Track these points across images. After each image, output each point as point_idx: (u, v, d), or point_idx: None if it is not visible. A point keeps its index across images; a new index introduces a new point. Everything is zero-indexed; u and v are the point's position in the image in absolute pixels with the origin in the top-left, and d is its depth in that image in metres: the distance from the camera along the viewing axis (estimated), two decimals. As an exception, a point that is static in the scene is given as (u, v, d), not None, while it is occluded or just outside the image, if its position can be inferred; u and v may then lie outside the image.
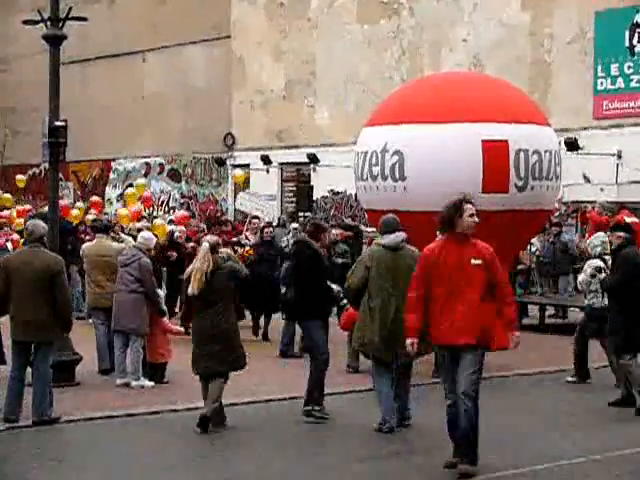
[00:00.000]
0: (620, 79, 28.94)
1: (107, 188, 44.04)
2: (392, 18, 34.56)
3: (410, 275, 10.06)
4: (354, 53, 35.18)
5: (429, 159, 15.42)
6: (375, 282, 10.69)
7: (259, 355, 14.25)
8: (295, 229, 23.00)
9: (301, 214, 33.52)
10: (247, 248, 17.92)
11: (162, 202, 41.07)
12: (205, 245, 10.88)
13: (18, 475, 9.09)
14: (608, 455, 9.72)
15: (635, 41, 28.61)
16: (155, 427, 10.93)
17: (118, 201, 42.56)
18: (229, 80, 39.34)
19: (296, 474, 9.20)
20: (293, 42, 37.39)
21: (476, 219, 9.02)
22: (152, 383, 13.24)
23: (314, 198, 34.35)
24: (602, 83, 29.35)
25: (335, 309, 13.47)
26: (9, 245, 20.65)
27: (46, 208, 15.01)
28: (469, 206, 9.05)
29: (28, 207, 25.79)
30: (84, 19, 15.06)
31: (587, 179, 28.14)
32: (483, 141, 15.47)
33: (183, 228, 19.48)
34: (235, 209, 37.89)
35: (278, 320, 15.96)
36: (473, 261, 8.88)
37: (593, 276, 12.99)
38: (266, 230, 18.36)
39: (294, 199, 35.99)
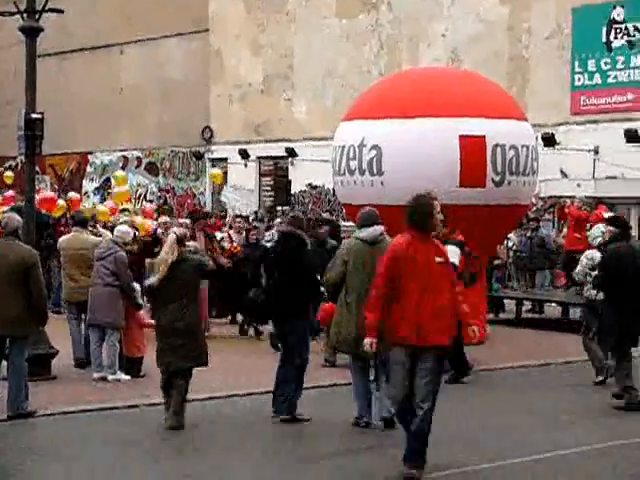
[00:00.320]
0: (597, 75, 29.04)
1: (84, 181, 43.87)
2: (371, 12, 34.55)
3: None
4: (332, 47, 35.15)
5: (407, 154, 15.45)
6: (352, 276, 10.47)
7: (259, 352, 14.43)
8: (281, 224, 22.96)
9: (279, 208, 33.50)
10: (235, 244, 17.87)
11: (139, 196, 40.94)
12: (172, 236, 10.63)
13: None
14: (580, 450, 9.76)
15: (612, 37, 28.71)
16: (132, 421, 10.90)
17: (95, 195, 42.47)
18: (207, 73, 39.24)
19: (271, 468, 9.20)
20: (271, 36, 37.32)
21: (442, 217, 9.05)
22: (128, 377, 13.21)
23: (292, 192, 34.34)
24: (579, 79, 29.44)
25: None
26: None
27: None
28: (434, 203, 8.90)
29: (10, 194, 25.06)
30: (61, 11, 14.97)
31: (564, 174, 28.24)
32: (460, 136, 15.51)
33: (167, 219, 19.31)
34: (213, 204, 37.83)
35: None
36: (437, 259, 8.75)
37: (593, 269, 12.70)
38: (252, 232, 18.64)
39: (272, 193, 35.97)
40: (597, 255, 12.76)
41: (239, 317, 18.00)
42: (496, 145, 15.74)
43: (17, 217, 11.44)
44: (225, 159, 38.17)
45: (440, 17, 32.41)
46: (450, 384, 12.56)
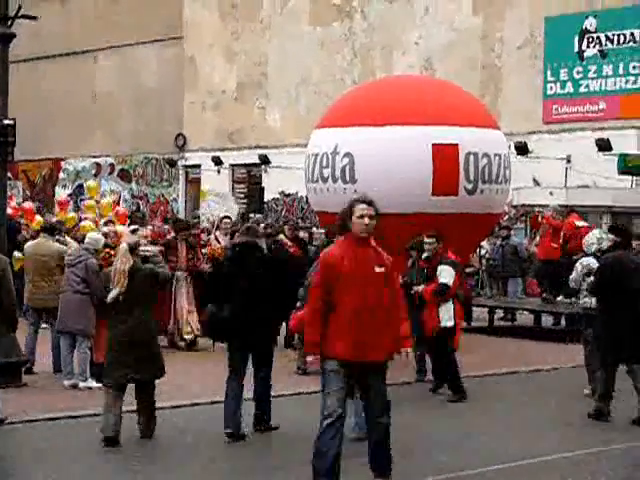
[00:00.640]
0: (569, 84, 29.22)
1: (57, 188, 43.70)
2: (344, 21, 34.63)
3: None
4: (306, 55, 35.20)
5: (379, 161, 15.49)
6: None
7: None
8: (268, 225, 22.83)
9: (252, 215, 33.46)
10: (218, 247, 17.57)
11: (112, 202, 40.79)
12: (123, 246, 10.23)
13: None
14: (558, 456, 9.79)
15: (584, 46, 28.90)
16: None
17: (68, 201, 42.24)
18: (181, 81, 39.20)
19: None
20: (245, 43, 37.33)
21: (366, 221, 8.02)
22: (100, 384, 13.13)
23: (265, 199, 34.33)
24: (552, 88, 29.61)
25: None
26: None
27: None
28: (361, 206, 8.09)
29: None
30: (34, 17, 14.95)
31: (536, 183, 28.37)
32: (433, 144, 15.56)
33: (148, 230, 19.17)
34: (186, 211, 37.76)
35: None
36: (377, 269, 8.05)
37: (588, 275, 12.33)
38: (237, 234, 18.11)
39: (245, 200, 35.96)
40: (592, 262, 12.39)
41: None
42: (469, 153, 15.80)
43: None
44: (198, 166, 38.14)
45: (413, 26, 32.53)
46: (451, 402, 12.49)
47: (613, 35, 28.38)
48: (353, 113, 16.51)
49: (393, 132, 15.66)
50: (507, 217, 24.87)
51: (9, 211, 17.95)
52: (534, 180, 28.35)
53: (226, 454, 9.90)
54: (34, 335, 14.11)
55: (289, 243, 17.17)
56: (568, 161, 28.26)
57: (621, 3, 28.18)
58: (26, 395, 12.44)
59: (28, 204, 24.28)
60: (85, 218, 21.31)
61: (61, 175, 43.79)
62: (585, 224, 20.74)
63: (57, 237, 15.10)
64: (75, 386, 13.06)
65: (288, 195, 34.85)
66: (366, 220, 8.01)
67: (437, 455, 9.70)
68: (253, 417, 10.49)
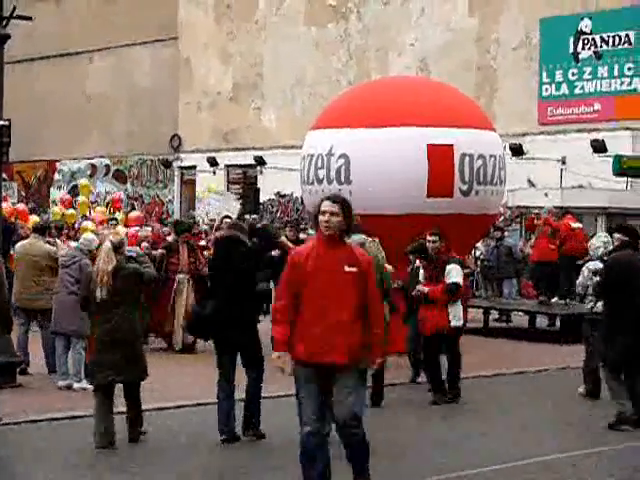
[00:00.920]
0: (564, 85, 29.25)
1: (52, 189, 43.66)
2: (340, 22, 34.64)
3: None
4: (302, 56, 35.20)
5: (374, 163, 15.48)
6: None
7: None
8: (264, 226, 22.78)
9: (247, 217, 33.44)
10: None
11: (107, 203, 40.78)
12: (107, 244, 10.01)
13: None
14: (556, 457, 9.79)
15: (579, 48, 28.93)
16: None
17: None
18: (176, 82, 39.19)
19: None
20: (240, 44, 37.33)
21: (326, 217, 7.66)
22: (94, 385, 13.12)
23: (260, 200, 34.33)
24: (547, 89, 29.64)
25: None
26: None
27: None
28: (324, 203, 7.76)
29: None
30: (29, 18, 14.96)
31: (532, 184, 28.40)
32: (428, 145, 15.55)
33: (148, 230, 19.10)
34: (181, 212, 37.74)
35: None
36: (347, 268, 7.66)
37: (595, 274, 11.95)
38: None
39: (240, 201, 35.90)
40: (599, 266, 12.06)
41: None
42: (464, 154, 15.79)
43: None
44: (194, 167, 38.14)
45: (409, 27, 32.55)
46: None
47: (608, 37, 28.41)
48: (348, 114, 16.50)
49: (388, 133, 15.66)
50: (502, 218, 24.88)
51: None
52: (529, 181, 28.37)
53: (222, 456, 9.88)
54: (25, 335, 14.10)
55: (290, 245, 17.09)
56: (563, 162, 28.30)
57: (616, 4, 28.22)
58: (21, 396, 12.43)
59: (22, 205, 24.32)
60: (89, 217, 21.39)
61: (56, 176, 43.76)
62: (580, 225, 20.76)
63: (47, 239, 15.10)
64: (70, 387, 13.04)
65: (283, 196, 34.85)
66: (326, 217, 7.68)
67: (436, 455, 9.69)
68: (242, 419, 10.29)
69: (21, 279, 14.26)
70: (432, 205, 15.47)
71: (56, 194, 43.05)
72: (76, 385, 13.03)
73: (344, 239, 7.81)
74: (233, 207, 28.83)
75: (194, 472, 9.25)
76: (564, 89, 29.27)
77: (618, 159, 26.21)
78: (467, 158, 15.81)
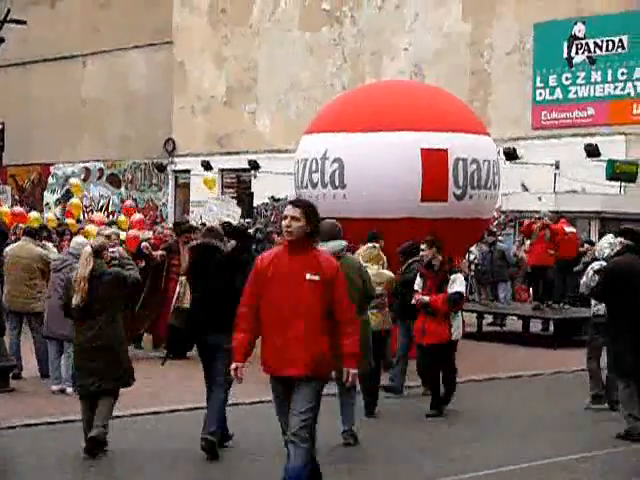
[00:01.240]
0: (558, 90, 29.30)
1: (45, 193, 43.64)
2: (334, 26, 34.68)
3: (352, 287, 9.79)
4: (296, 60, 35.23)
5: (369, 167, 15.47)
6: None
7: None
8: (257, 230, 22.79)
9: (241, 220, 33.44)
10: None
11: (101, 207, 40.78)
12: (87, 249, 9.74)
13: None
14: (550, 461, 9.80)
15: (573, 53, 28.99)
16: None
17: (57, 206, 42.22)
18: (170, 86, 39.19)
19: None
20: (235, 48, 37.35)
21: (286, 222, 7.31)
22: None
23: (254, 204, 34.33)
24: (541, 94, 29.69)
25: None
26: None
27: None
28: (287, 207, 7.42)
29: None
30: (23, 22, 14.93)
31: (525, 188, 28.44)
32: (422, 149, 15.55)
33: (150, 234, 19.03)
34: (175, 216, 37.73)
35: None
36: (309, 276, 7.23)
37: (598, 272, 11.62)
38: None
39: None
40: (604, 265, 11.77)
41: None
42: (458, 159, 15.79)
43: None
44: (188, 171, 38.14)
45: (403, 31, 32.59)
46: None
47: (602, 41, 28.48)
48: (343, 118, 16.49)
49: (382, 137, 15.65)
50: (496, 222, 24.90)
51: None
52: (523, 186, 28.42)
53: (212, 461, 9.85)
54: (17, 339, 14.08)
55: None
56: (557, 167, 28.35)
57: (609, 10, 28.27)
58: (14, 400, 12.40)
59: (19, 208, 24.30)
60: (91, 221, 21.36)
61: (50, 180, 43.73)
62: (573, 230, 20.77)
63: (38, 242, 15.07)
64: (63, 391, 13.00)
65: (277, 200, 34.83)
66: (287, 221, 7.30)
67: (429, 461, 9.69)
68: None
69: (12, 282, 14.22)
70: (426, 209, 15.47)
71: (49, 198, 43.09)
72: (69, 389, 12.99)
73: (310, 245, 7.39)
74: (233, 212, 28.84)
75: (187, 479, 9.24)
76: (558, 94, 29.33)
77: (611, 164, 26.28)
78: (461, 162, 15.81)
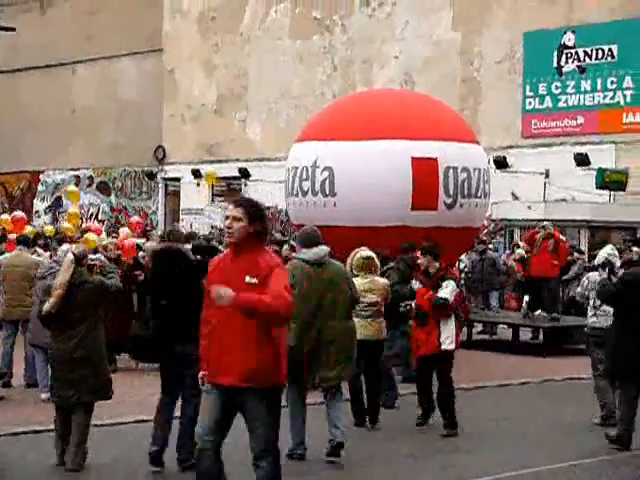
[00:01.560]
0: (548, 98, 29.35)
1: (35, 200, 43.56)
2: (324, 34, 34.70)
3: (338, 293, 9.72)
4: (286, 68, 35.24)
5: (359, 175, 15.49)
6: (299, 301, 8.99)
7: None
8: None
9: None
10: None
11: (91, 215, 40.71)
12: (69, 256, 9.45)
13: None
14: (538, 470, 9.80)
15: (563, 62, 29.05)
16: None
17: (46, 213, 42.16)
18: (160, 93, 39.17)
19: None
20: (225, 56, 37.35)
21: (226, 223, 6.96)
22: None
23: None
24: (530, 102, 29.74)
25: None
26: None
27: None
28: (229, 207, 7.06)
29: None
30: (12, 29, 14.89)
31: (515, 197, 28.48)
32: (413, 158, 15.58)
33: (143, 241, 18.98)
34: (165, 224, 37.68)
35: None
36: (248, 279, 6.82)
37: (604, 266, 11.23)
38: None
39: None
40: (599, 276, 11.54)
41: None
42: (448, 167, 15.83)
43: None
44: (178, 179, 38.11)
45: (393, 40, 32.62)
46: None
47: (591, 50, 28.54)
48: (333, 127, 16.52)
49: (373, 146, 15.68)
50: (486, 231, 24.92)
51: None
52: (513, 194, 28.45)
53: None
54: (10, 349, 14.05)
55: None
56: (547, 175, 28.38)
57: (599, 19, 28.34)
58: (3, 408, 12.37)
59: (19, 213, 24.37)
60: (89, 229, 21.31)
61: (40, 187, 43.65)
62: (563, 239, 20.77)
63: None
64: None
65: (268, 208, 34.81)
66: (228, 222, 6.94)
67: (419, 470, 9.68)
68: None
69: (11, 292, 14.21)
70: (416, 218, 15.49)
71: (40, 206, 43.02)
72: (43, 395, 12.94)
73: (256, 246, 6.94)
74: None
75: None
76: (548, 102, 29.37)
77: (601, 172, 26.32)
78: (452, 171, 15.84)
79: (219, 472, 7.01)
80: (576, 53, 28.83)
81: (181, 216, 37.32)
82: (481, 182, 16.45)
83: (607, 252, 11.88)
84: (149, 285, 9.70)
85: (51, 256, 14.85)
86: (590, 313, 11.95)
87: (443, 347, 11.24)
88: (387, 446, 10.67)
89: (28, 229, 22.20)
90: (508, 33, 30.17)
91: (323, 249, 9.79)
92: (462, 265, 23.44)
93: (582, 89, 28.73)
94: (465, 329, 20.24)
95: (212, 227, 33.31)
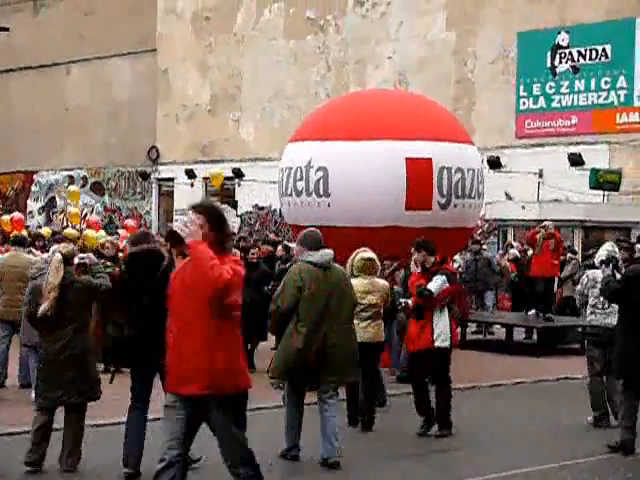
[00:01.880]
0: (542, 99, 29.39)
1: (29, 201, 43.51)
2: (318, 34, 34.71)
3: (343, 296, 9.70)
4: (280, 68, 35.24)
5: (353, 175, 15.48)
6: (307, 304, 9.39)
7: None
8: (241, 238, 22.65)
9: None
10: None
11: (85, 215, 40.66)
12: (57, 256, 9.28)
13: None
14: (531, 470, 9.81)
15: (557, 62, 29.08)
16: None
17: (40, 214, 42.11)
18: (154, 93, 39.14)
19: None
20: (219, 56, 37.33)
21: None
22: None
23: (239, 213, 34.29)
24: (524, 103, 29.77)
25: None
26: None
27: None
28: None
29: None
30: (6, 29, 14.87)
31: (509, 197, 28.50)
32: (407, 158, 15.57)
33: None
34: (159, 224, 37.67)
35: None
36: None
37: (608, 262, 10.93)
38: (252, 252, 16.19)
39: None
40: (598, 274, 11.30)
41: None
42: (442, 168, 15.82)
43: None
44: (171, 179, 38.08)
45: (387, 40, 32.64)
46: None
47: (585, 51, 28.59)
48: (327, 127, 16.50)
49: (367, 146, 15.67)
50: (480, 231, 24.93)
51: None
52: (506, 194, 28.47)
53: (193, 470, 9.82)
54: (5, 350, 14.03)
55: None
56: (540, 175, 28.41)
57: (593, 19, 28.38)
58: (-2, 409, 12.37)
59: (18, 214, 24.37)
60: (89, 227, 21.32)
61: (33, 188, 43.61)
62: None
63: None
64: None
65: (262, 208, 34.83)
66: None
67: (413, 470, 9.68)
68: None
69: (6, 292, 14.18)
70: (410, 218, 15.48)
71: (33, 206, 42.96)
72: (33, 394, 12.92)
73: (217, 252, 6.65)
74: (233, 222, 28.70)
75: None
76: (541, 102, 29.41)
77: (595, 172, 26.36)
78: (445, 171, 15.83)
79: None
80: (570, 53, 28.87)
81: (175, 216, 37.28)
82: (475, 182, 16.44)
83: (608, 249, 11.60)
84: (124, 289, 9.31)
85: (48, 257, 14.86)
86: (589, 311, 11.85)
87: (436, 344, 10.99)
88: (380, 446, 10.67)
89: (23, 232, 22.17)
90: (502, 33, 30.20)
91: (329, 252, 9.72)
92: (456, 265, 23.43)
93: (576, 89, 28.77)
94: (459, 329, 20.27)
95: None
